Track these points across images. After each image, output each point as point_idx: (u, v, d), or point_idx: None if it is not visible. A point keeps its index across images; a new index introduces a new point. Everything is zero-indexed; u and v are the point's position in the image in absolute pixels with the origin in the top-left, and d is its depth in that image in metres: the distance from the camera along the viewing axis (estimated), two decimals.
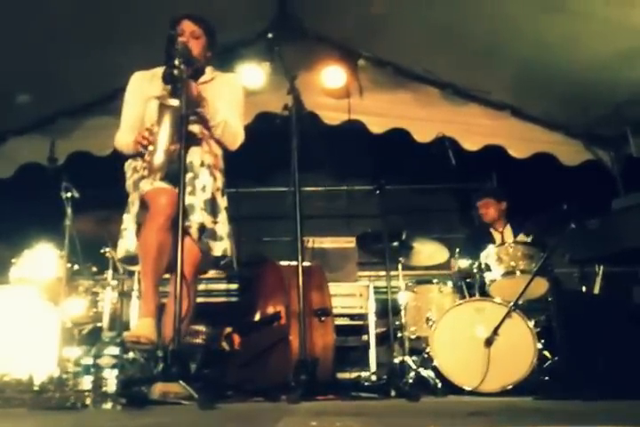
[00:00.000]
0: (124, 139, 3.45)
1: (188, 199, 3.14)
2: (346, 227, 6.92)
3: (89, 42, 4.92)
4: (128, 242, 3.31)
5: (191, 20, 3.47)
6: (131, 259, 3.33)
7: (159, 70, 3.51)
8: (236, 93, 3.61)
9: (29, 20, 4.50)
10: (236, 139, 3.52)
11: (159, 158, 3.15)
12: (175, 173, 2.98)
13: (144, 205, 3.21)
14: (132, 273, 4.74)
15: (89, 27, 4.78)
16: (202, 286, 4.74)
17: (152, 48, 3.44)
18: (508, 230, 5.36)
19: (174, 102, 3.12)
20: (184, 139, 2.97)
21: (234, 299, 4.81)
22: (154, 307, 3.05)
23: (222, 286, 4.90)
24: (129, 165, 3.46)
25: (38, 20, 4.54)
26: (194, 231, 3.19)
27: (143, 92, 3.49)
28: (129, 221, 3.35)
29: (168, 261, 3.09)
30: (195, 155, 3.32)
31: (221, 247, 3.36)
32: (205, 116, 3.37)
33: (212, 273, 4.68)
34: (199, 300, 4.71)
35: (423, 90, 6.18)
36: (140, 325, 3.00)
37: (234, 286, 4.89)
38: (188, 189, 3.16)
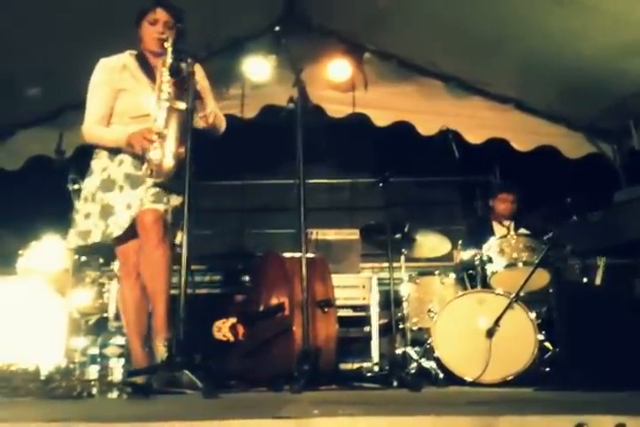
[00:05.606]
0: (95, 130, 3.37)
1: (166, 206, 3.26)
2: (349, 219, 6.95)
3: (95, 34, 4.92)
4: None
5: (164, 8, 3.35)
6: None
7: (127, 60, 3.44)
8: (206, 80, 3.60)
9: (35, 14, 4.52)
10: (223, 124, 3.59)
11: (169, 162, 3.15)
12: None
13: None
14: None
15: (95, 19, 4.79)
16: (206, 278, 4.78)
17: None
18: (512, 226, 5.36)
19: (182, 105, 3.14)
20: (189, 135, 2.99)
21: (237, 290, 4.84)
22: (144, 356, 3.23)
23: (225, 278, 4.93)
24: (97, 164, 3.41)
25: (44, 14, 4.56)
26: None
27: (114, 82, 3.37)
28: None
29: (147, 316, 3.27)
30: None
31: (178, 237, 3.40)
32: (199, 108, 3.37)
33: (214, 264, 4.72)
34: (203, 291, 4.78)
35: (427, 83, 6.18)
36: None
37: (237, 278, 4.92)
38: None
